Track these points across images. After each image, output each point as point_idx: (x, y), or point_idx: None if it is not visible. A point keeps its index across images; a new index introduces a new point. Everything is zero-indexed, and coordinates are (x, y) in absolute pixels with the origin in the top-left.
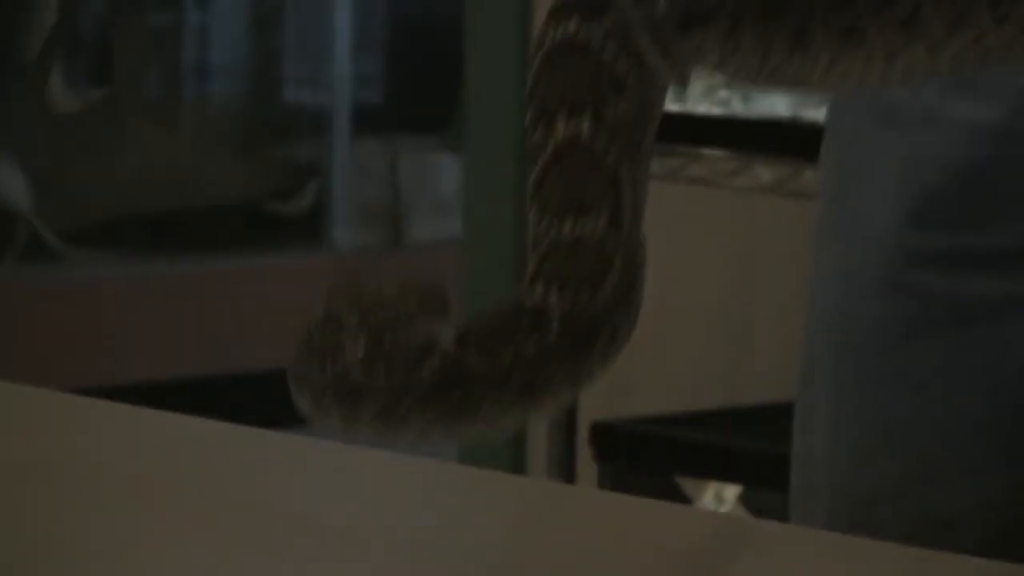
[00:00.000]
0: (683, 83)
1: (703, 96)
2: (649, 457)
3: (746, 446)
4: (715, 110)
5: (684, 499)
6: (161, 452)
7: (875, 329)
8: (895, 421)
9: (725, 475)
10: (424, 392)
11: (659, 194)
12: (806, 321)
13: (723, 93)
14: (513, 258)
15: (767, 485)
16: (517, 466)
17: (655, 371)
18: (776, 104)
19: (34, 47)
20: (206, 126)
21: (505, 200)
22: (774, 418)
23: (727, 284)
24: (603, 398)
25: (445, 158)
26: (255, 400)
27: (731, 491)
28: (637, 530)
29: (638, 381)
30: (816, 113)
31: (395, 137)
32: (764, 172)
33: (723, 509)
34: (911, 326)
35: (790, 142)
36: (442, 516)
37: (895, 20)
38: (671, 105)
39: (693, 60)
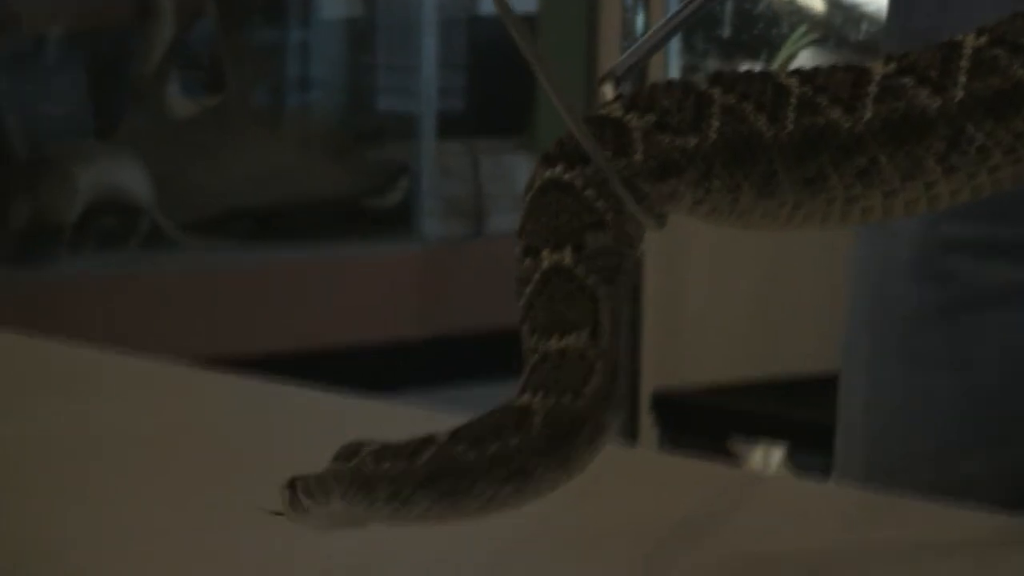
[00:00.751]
0: (660, 224)
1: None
2: (703, 422)
3: (790, 413)
4: None
5: (734, 460)
6: (267, 416)
7: (908, 309)
8: (924, 394)
9: (772, 439)
10: (422, 478)
11: None
12: (847, 300)
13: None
14: None
15: (809, 448)
16: None
17: (709, 345)
18: None
19: (154, 60)
20: (308, 131)
21: None
22: (816, 388)
23: (774, 265)
24: (663, 370)
25: (520, 157)
26: (352, 370)
27: (777, 453)
28: (692, 488)
29: (694, 354)
30: None
31: (476, 140)
32: None
33: (769, 470)
34: (941, 307)
35: None
36: None
37: (854, 170)
38: None
39: (668, 203)
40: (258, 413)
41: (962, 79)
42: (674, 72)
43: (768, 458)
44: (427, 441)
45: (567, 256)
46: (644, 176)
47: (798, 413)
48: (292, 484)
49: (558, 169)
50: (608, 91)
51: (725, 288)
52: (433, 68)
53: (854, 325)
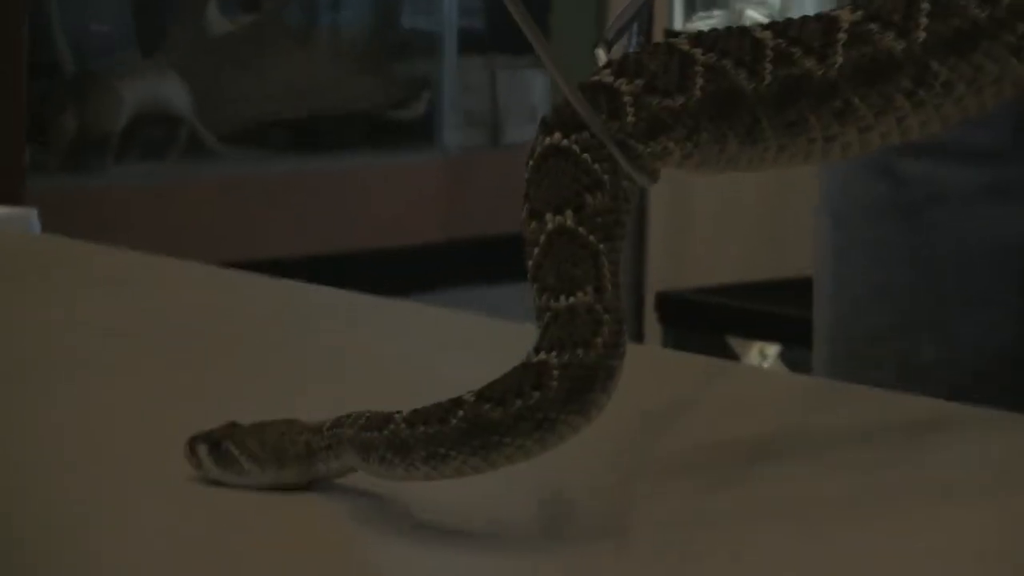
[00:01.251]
0: (652, 180)
1: None
2: (704, 321)
3: (785, 312)
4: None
5: (733, 356)
6: (295, 314)
7: (869, 206)
8: (884, 285)
9: (767, 336)
10: (455, 438)
11: None
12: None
13: None
14: None
15: (802, 345)
16: None
17: (710, 249)
18: None
19: None
20: (338, 47)
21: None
22: (809, 288)
23: (771, 175)
24: (666, 272)
25: (535, 72)
26: (375, 272)
27: (772, 350)
28: (694, 382)
29: (696, 257)
30: None
31: (494, 56)
32: None
33: (765, 365)
34: (898, 205)
35: None
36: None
37: (831, 112)
38: None
39: (659, 161)
40: (286, 310)
41: (924, 21)
42: (678, 24)
43: (764, 353)
44: (456, 403)
45: (569, 218)
46: (636, 137)
47: (791, 312)
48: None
49: (556, 136)
50: (601, 55)
51: (727, 196)
52: None
53: (822, 220)
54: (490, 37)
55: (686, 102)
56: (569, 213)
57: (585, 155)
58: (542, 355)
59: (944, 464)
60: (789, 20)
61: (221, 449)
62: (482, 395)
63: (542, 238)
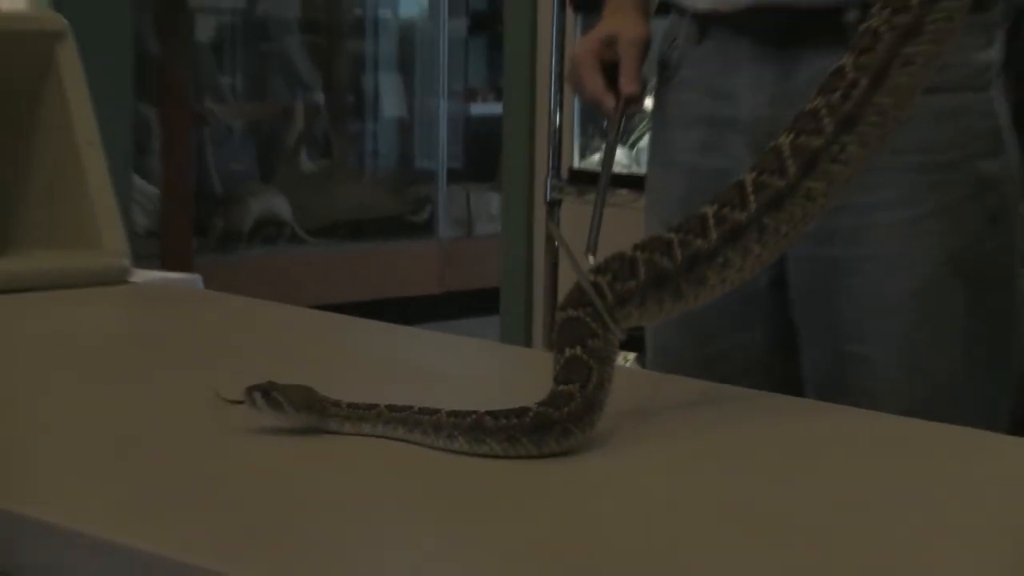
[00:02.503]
0: (623, 334)
1: None
2: None
3: (640, 334)
4: None
5: None
6: (349, 332)
7: (682, 202)
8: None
9: (629, 348)
10: (527, 429)
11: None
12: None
13: None
14: None
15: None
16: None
17: None
18: None
19: (293, 139)
20: (377, 178)
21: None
22: None
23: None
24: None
25: (494, 194)
26: (399, 309)
27: (632, 356)
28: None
29: None
30: None
31: (468, 183)
32: None
33: (627, 365)
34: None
35: None
36: (489, 366)
37: (718, 265)
38: None
39: (626, 320)
40: (347, 332)
41: (751, 198)
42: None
43: (626, 359)
44: (526, 407)
45: (578, 350)
46: (614, 308)
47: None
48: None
49: (570, 310)
50: (591, 258)
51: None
52: (445, 148)
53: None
54: (466, 172)
55: (636, 284)
56: (578, 348)
57: (587, 320)
58: (562, 386)
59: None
60: (681, 222)
61: (271, 397)
62: (544, 402)
63: (561, 360)
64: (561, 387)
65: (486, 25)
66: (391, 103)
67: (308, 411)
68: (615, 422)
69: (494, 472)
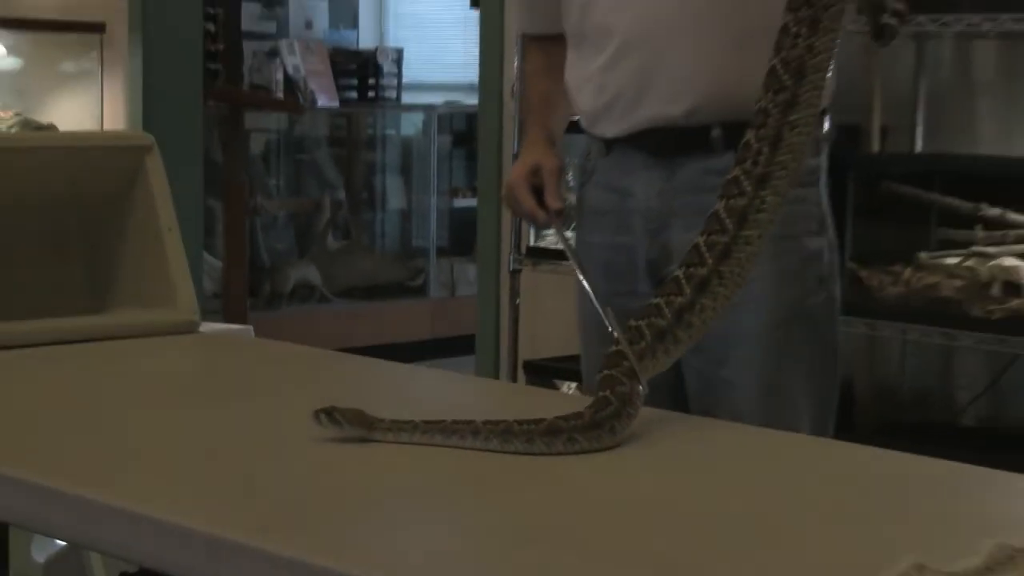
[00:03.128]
0: (647, 385)
1: None
2: (545, 374)
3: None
4: None
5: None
6: (358, 377)
7: (602, 267)
8: (586, 352)
9: (570, 378)
10: (542, 432)
11: None
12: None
13: None
14: None
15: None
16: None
17: (546, 337)
18: None
19: (321, 224)
20: (385, 254)
21: None
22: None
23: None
24: (530, 341)
25: (471, 265)
26: (402, 351)
27: (573, 385)
28: (544, 402)
29: (542, 340)
30: None
31: (453, 257)
32: None
33: (569, 392)
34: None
35: None
36: (465, 392)
37: (703, 311)
38: None
39: (646, 372)
40: (354, 370)
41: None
42: (533, 240)
43: (568, 388)
44: (577, 414)
45: (608, 392)
46: (639, 363)
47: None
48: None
49: (607, 370)
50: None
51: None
52: (435, 231)
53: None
54: (451, 249)
55: (646, 344)
56: (608, 391)
57: (619, 375)
58: (606, 394)
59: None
60: (660, 288)
61: (332, 416)
62: (589, 408)
63: (597, 397)
64: (581, 411)
65: (465, 141)
66: (395, 198)
67: (360, 426)
68: None
69: (503, 470)
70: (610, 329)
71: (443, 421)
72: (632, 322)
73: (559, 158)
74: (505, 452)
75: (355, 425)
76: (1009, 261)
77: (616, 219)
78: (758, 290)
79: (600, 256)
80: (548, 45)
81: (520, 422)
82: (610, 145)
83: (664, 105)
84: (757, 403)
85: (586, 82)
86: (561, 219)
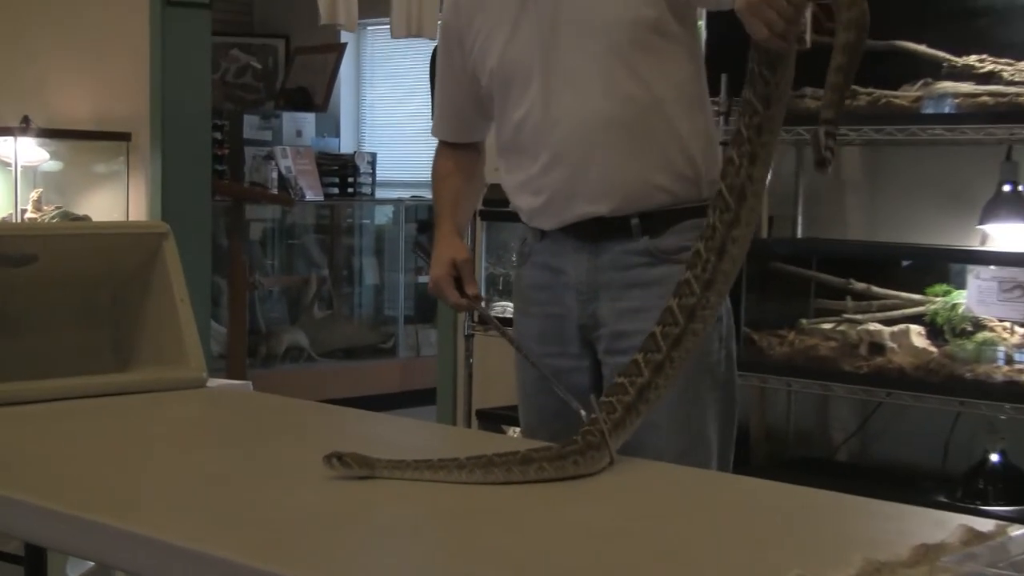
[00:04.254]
0: (615, 451)
1: None
2: (494, 421)
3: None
4: None
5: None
6: (337, 418)
7: (537, 334)
8: (524, 401)
9: (514, 423)
10: (516, 462)
11: None
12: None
13: None
14: None
15: None
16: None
17: (492, 391)
18: None
19: (309, 299)
20: (363, 321)
21: None
22: None
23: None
24: (482, 393)
25: (433, 331)
26: (377, 402)
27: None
28: (469, 441)
29: (488, 390)
30: None
31: (418, 324)
32: None
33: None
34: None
35: None
36: (430, 436)
37: (673, 364)
38: None
39: (629, 428)
40: (336, 419)
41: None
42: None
43: (513, 432)
44: (572, 440)
45: (578, 437)
46: (611, 433)
47: None
48: (336, 457)
49: (584, 432)
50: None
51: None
52: (403, 303)
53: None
54: (416, 317)
55: (630, 399)
56: (582, 443)
57: (592, 431)
58: (588, 427)
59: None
60: (641, 343)
61: (343, 459)
62: (581, 437)
63: (580, 445)
64: (550, 444)
65: (428, 229)
66: (370, 275)
67: (364, 467)
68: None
69: (481, 500)
70: (560, 394)
71: (431, 460)
72: (604, 398)
73: (467, 250)
74: (486, 483)
75: (361, 466)
76: (874, 326)
77: (551, 293)
78: None
79: (535, 324)
80: (459, 150)
81: (498, 455)
82: (544, 233)
83: (592, 204)
84: (675, 441)
85: (524, 186)
86: (479, 301)
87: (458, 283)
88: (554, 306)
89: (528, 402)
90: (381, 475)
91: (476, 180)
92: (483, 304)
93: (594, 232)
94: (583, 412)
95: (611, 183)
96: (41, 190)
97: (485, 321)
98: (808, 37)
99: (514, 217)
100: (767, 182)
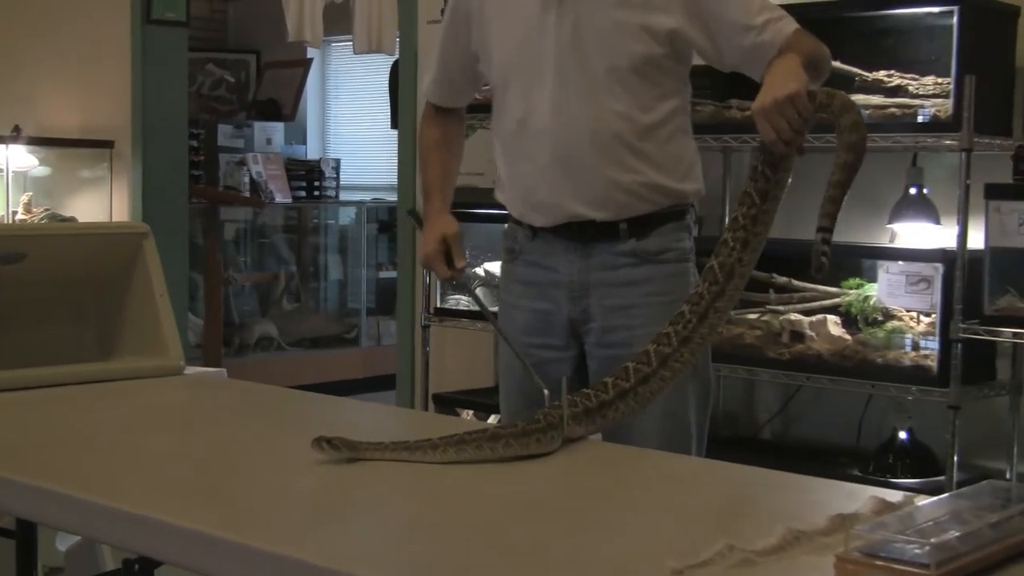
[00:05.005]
0: (560, 438)
1: None
2: (453, 405)
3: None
4: None
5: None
6: (307, 402)
7: (524, 327)
8: (505, 388)
9: (489, 411)
10: (481, 438)
11: None
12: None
13: None
14: None
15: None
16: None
17: (456, 373)
18: None
19: (279, 292)
20: (328, 315)
21: None
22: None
23: None
24: (438, 379)
25: (393, 322)
26: (339, 387)
27: (495, 418)
28: (430, 424)
29: (449, 374)
30: None
31: (379, 316)
32: None
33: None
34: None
35: None
36: (388, 417)
37: (662, 380)
38: None
39: (597, 421)
40: (304, 403)
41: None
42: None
43: (488, 420)
44: (535, 419)
45: (540, 416)
46: (571, 418)
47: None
48: (324, 440)
49: (547, 409)
50: None
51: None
52: (365, 296)
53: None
54: (377, 309)
55: (607, 397)
56: (541, 424)
57: (550, 413)
58: (544, 410)
59: None
60: (635, 354)
61: (331, 443)
62: (543, 417)
63: (533, 427)
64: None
65: (387, 228)
66: (334, 271)
67: (350, 449)
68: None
69: (423, 480)
70: (536, 381)
71: (407, 441)
72: (585, 390)
73: (456, 224)
74: (460, 461)
75: (348, 449)
76: (794, 316)
77: (541, 289)
78: None
79: (520, 316)
80: (448, 118)
81: (468, 433)
82: (536, 232)
83: (586, 209)
84: (661, 425)
85: (519, 181)
86: (462, 273)
87: (449, 257)
88: (543, 301)
89: (511, 388)
90: (365, 456)
91: (459, 149)
92: (471, 281)
93: (585, 234)
94: (547, 392)
95: (607, 192)
96: (31, 194)
97: (467, 294)
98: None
99: (479, 218)
100: (753, 266)
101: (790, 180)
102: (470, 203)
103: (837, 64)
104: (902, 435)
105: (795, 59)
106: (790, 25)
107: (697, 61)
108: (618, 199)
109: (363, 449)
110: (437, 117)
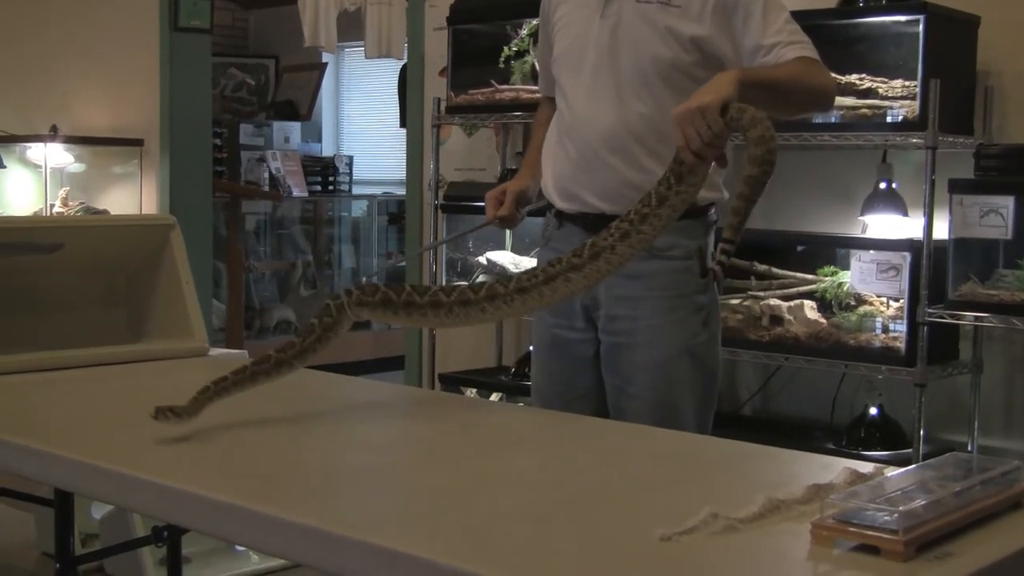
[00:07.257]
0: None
1: None
2: (459, 384)
3: (504, 382)
4: None
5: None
6: (319, 388)
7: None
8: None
9: (495, 389)
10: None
11: None
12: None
13: None
14: None
15: (511, 395)
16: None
17: (463, 352)
18: None
19: (295, 279)
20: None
21: None
22: (504, 371)
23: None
24: (443, 359)
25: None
26: (354, 367)
27: (497, 395)
28: (433, 406)
29: (458, 353)
30: None
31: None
32: None
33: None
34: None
35: None
36: (396, 395)
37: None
38: None
39: (366, 316)
40: (320, 382)
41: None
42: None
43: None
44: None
45: (318, 326)
46: (353, 304)
47: (508, 382)
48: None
49: (322, 314)
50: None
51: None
52: (376, 281)
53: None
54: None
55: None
56: (332, 303)
57: (331, 304)
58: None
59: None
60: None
61: (173, 411)
62: (320, 318)
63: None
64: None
65: (397, 220)
66: (347, 260)
67: (189, 413)
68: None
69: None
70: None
71: (225, 376)
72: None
73: (526, 183)
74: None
75: (186, 415)
76: (774, 301)
77: None
78: (656, 332)
79: None
80: (551, 104)
81: (277, 350)
82: (560, 221)
83: (596, 201)
84: (652, 411)
85: (554, 165)
86: (506, 223)
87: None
88: None
89: (539, 364)
90: (203, 406)
91: None
92: (501, 224)
93: (599, 225)
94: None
95: (619, 189)
96: (67, 188)
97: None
98: (728, 159)
99: (480, 211)
100: (626, 259)
101: (696, 194)
102: (471, 196)
103: None
104: (872, 411)
105: (731, 75)
106: (796, 52)
107: None
108: (630, 196)
109: (199, 402)
110: (546, 102)
